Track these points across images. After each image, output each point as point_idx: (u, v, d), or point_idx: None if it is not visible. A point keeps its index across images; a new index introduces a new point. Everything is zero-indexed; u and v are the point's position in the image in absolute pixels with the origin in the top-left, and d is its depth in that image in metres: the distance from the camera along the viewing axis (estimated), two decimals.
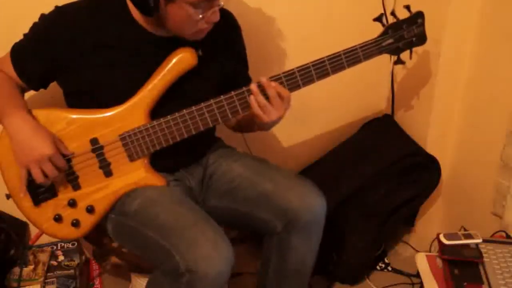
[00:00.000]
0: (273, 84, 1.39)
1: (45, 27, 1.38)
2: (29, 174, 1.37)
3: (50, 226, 1.44)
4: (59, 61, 1.37)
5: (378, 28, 1.50)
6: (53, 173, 1.34)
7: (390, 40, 1.49)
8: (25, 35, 1.41)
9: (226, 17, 1.55)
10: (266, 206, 1.49)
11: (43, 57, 1.38)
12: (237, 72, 1.60)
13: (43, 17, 1.39)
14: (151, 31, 1.40)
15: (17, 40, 1.43)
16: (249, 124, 1.57)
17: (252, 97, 1.39)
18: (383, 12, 1.90)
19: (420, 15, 1.51)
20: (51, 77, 1.43)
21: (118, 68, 1.39)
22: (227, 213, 1.56)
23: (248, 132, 1.71)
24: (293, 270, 1.56)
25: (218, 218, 1.56)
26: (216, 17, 1.34)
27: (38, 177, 1.33)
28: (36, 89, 1.46)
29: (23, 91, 1.44)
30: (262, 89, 1.38)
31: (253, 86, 1.38)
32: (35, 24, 1.40)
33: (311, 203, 1.48)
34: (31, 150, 1.30)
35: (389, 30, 1.48)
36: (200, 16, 1.31)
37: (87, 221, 1.44)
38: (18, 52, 1.41)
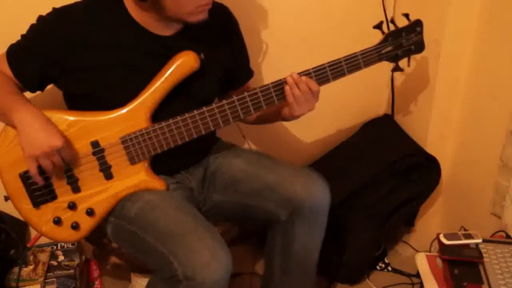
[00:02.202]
0: (304, 78, 1.40)
1: (44, 29, 1.37)
2: (30, 177, 1.37)
3: (49, 228, 1.44)
4: (59, 62, 1.36)
5: (377, 30, 1.49)
6: (60, 166, 1.34)
7: (390, 48, 1.49)
8: (22, 36, 1.40)
9: (223, 12, 1.56)
10: (270, 197, 1.49)
11: (42, 59, 1.37)
12: (238, 66, 1.61)
13: (40, 18, 1.38)
14: (151, 30, 1.40)
15: (14, 41, 1.42)
16: (270, 117, 1.59)
17: (287, 88, 1.40)
18: (384, 16, 1.91)
19: (419, 23, 1.52)
20: (49, 79, 1.43)
21: (119, 69, 1.38)
22: (230, 206, 1.57)
23: (266, 124, 1.71)
24: (298, 262, 1.56)
25: (221, 213, 1.58)
26: None
27: (47, 168, 1.33)
28: (33, 91, 1.45)
29: (21, 90, 1.43)
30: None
31: (289, 78, 1.40)
32: (32, 25, 1.39)
33: (315, 191, 1.49)
34: (41, 142, 1.29)
35: (389, 37, 1.49)
36: None
37: (87, 224, 1.44)
38: (16, 53, 1.40)
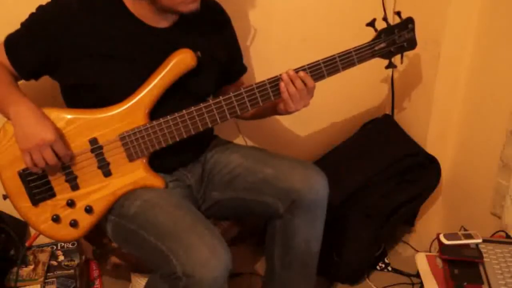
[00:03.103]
0: (301, 74, 1.42)
1: (43, 18, 1.38)
2: (28, 175, 1.37)
3: (48, 226, 1.43)
4: (56, 51, 1.37)
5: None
6: (53, 161, 1.33)
7: (383, 44, 1.51)
8: (22, 24, 1.41)
9: (215, 8, 1.58)
10: (268, 190, 1.50)
11: (40, 47, 1.37)
12: (231, 61, 1.62)
13: (40, 8, 1.39)
14: (147, 22, 1.41)
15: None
16: (265, 112, 1.62)
17: (282, 85, 1.42)
18: (383, 13, 1.91)
19: (410, 20, 1.53)
20: (45, 69, 1.42)
21: (115, 59, 1.39)
22: (230, 203, 1.58)
23: (261, 119, 1.72)
24: (299, 255, 1.56)
25: (221, 210, 1.59)
26: None
27: (39, 163, 1.33)
28: (27, 79, 1.45)
29: (16, 80, 1.43)
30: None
31: (284, 75, 1.42)
32: (32, 14, 1.39)
33: (313, 183, 1.49)
34: (34, 135, 1.30)
35: (381, 34, 1.51)
36: None
37: (86, 222, 1.44)
38: (14, 41, 1.41)
